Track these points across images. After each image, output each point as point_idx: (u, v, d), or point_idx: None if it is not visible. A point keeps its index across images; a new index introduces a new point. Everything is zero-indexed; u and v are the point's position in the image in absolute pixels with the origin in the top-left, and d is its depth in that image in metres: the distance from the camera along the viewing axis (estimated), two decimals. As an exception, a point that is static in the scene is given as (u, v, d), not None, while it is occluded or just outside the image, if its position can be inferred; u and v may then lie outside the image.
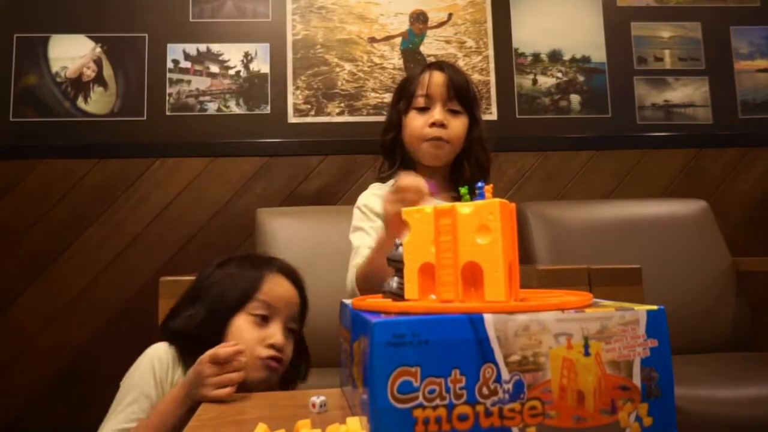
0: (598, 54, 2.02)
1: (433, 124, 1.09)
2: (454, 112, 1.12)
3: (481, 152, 1.15)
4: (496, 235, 0.50)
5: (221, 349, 0.77)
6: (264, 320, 0.90)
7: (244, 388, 0.80)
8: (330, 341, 1.10)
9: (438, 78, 1.11)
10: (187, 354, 0.89)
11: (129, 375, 0.89)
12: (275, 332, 0.89)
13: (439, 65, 1.14)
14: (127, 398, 0.85)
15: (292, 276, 0.96)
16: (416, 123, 1.11)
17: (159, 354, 0.89)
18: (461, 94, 1.11)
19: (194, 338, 0.89)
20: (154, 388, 0.86)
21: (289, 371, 0.95)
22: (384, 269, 0.87)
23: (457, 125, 1.11)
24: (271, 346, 0.88)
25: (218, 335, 0.88)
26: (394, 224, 0.75)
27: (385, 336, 0.45)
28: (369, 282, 0.91)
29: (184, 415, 0.80)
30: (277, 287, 0.92)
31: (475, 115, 1.15)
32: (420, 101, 1.12)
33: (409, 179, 0.81)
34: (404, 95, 1.15)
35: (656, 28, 2.05)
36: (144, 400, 0.85)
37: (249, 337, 0.88)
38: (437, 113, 1.10)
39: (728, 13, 2.07)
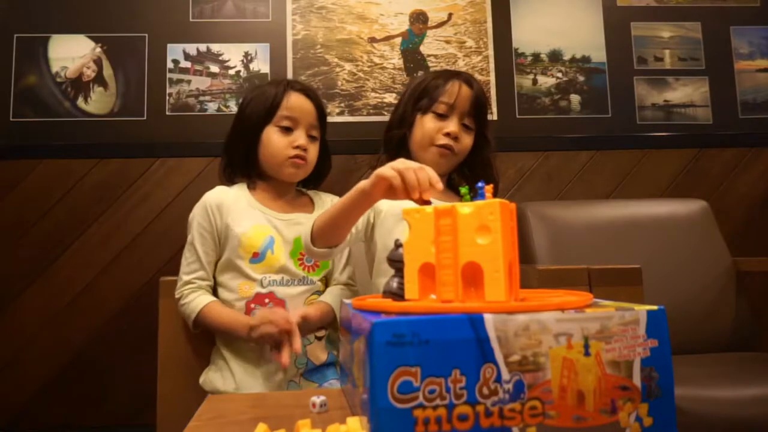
0: (598, 54, 2.02)
1: (447, 134, 1.12)
2: (467, 128, 1.15)
3: (491, 174, 1.19)
4: (496, 235, 0.50)
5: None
6: (288, 130, 1.13)
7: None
8: (330, 341, 1.10)
9: (466, 92, 1.14)
10: (235, 171, 1.19)
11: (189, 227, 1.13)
12: (299, 136, 1.13)
13: (468, 80, 1.17)
14: (185, 255, 1.11)
15: (307, 92, 1.17)
16: (431, 126, 1.14)
17: (201, 206, 1.12)
18: (480, 113, 1.16)
19: (235, 152, 1.17)
20: (208, 230, 1.10)
21: (314, 172, 1.21)
22: (341, 222, 0.89)
23: (467, 141, 1.16)
24: (296, 147, 1.12)
25: (254, 146, 1.14)
26: (376, 185, 0.79)
27: (385, 336, 0.45)
28: (324, 229, 0.90)
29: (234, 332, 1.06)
30: (296, 101, 1.14)
31: (485, 135, 1.18)
32: (441, 107, 1.14)
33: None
34: (427, 96, 1.16)
35: (656, 28, 2.05)
36: (199, 248, 1.10)
37: (278, 141, 1.13)
38: (453, 125, 1.13)
39: (728, 13, 2.06)
